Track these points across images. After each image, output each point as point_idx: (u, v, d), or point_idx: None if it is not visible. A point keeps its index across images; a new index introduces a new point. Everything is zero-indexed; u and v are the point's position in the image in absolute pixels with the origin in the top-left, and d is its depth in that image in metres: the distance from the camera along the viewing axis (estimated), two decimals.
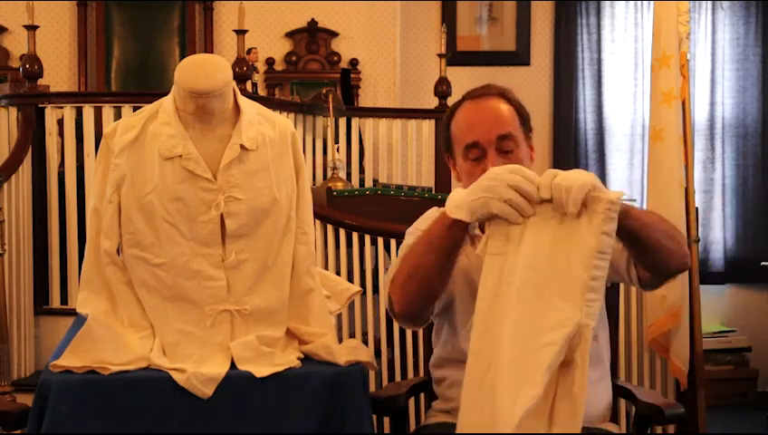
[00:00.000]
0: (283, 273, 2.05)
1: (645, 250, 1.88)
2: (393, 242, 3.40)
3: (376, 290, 3.46)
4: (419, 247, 1.94)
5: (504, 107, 2.08)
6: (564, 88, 5.78)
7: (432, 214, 2.13)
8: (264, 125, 2.08)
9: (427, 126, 4.82)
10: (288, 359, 2.01)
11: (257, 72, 5.35)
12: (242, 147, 2.01)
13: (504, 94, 2.11)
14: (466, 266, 2.03)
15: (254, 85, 4.96)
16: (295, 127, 3.09)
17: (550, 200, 1.76)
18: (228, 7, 5.56)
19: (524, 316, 1.72)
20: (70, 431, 1.86)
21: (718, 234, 5.67)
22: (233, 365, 1.97)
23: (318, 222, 3.39)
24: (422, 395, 2.54)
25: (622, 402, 2.37)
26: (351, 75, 5.34)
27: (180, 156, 1.99)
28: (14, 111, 3.91)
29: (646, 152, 4.39)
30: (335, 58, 5.69)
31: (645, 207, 4.42)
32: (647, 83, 5.39)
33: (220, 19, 5.64)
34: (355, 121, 4.75)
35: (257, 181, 2.02)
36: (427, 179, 4.83)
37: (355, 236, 3.51)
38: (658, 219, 1.96)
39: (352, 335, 3.39)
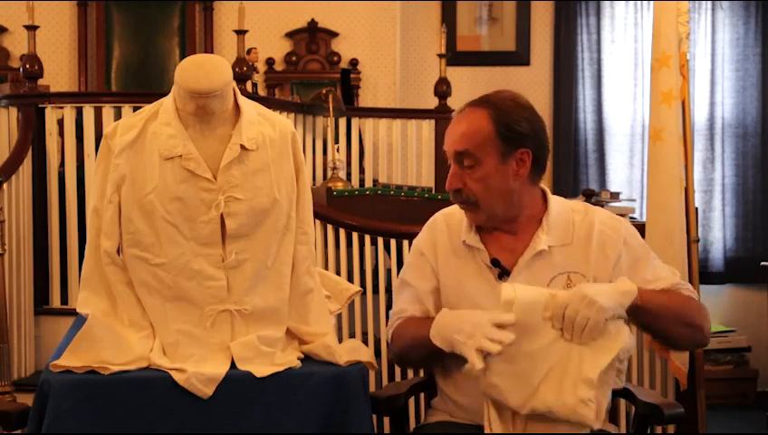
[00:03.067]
0: (282, 273, 2.06)
1: (656, 336, 2.06)
2: (393, 242, 3.40)
3: (376, 290, 3.46)
4: (410, 334, 2.08)
5: (481, 123, 2.02)
6: (564, 88, 5.77)
7: (436, 224, 2.18)
8: (264, 125, 2.08)
9: (427, 126, 4.82)
10: (288, 359, 2.01)
11: (257, 72, 5.34)
12: (242, 147, 2.01)
13: (496, 106, 2.03)
14: (458, 273, 2.10)
15: (254, 85, 4.96)
16: (295, 127, 3.08)
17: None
18: (228, 7, 5.56)
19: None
20: (70, 431, 1.87)
21: (718, 234, 5.67)
22: (233, 365, 1.97)
23: (318, 222, 3.39)
24: (422, 395, 2.54)
25: (622, 402, 2.37)
26: (351, 75, 5.34)
27: (180, 156, 1.99)
28: (14, 110, 3.91)
29: (646, 152, 4.38)
30: (335, 58, 5.69)
31: (644, 207, 4.41)
32: (646, 83, 5.38)
33: (220, 19, 5.64)
34: (355, 121, 4.75)
35: (257, 181, 2.02)
36: (427, 179, 4.82)
37: (355, 236, 3.50)
38: (676, 306, 2.04)
39: (352, 335, 3.39)
